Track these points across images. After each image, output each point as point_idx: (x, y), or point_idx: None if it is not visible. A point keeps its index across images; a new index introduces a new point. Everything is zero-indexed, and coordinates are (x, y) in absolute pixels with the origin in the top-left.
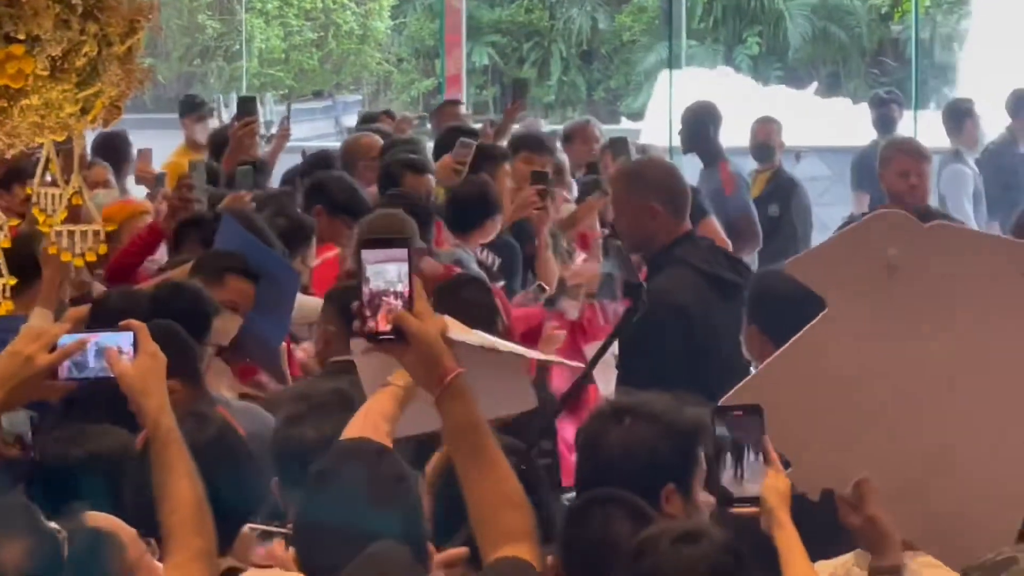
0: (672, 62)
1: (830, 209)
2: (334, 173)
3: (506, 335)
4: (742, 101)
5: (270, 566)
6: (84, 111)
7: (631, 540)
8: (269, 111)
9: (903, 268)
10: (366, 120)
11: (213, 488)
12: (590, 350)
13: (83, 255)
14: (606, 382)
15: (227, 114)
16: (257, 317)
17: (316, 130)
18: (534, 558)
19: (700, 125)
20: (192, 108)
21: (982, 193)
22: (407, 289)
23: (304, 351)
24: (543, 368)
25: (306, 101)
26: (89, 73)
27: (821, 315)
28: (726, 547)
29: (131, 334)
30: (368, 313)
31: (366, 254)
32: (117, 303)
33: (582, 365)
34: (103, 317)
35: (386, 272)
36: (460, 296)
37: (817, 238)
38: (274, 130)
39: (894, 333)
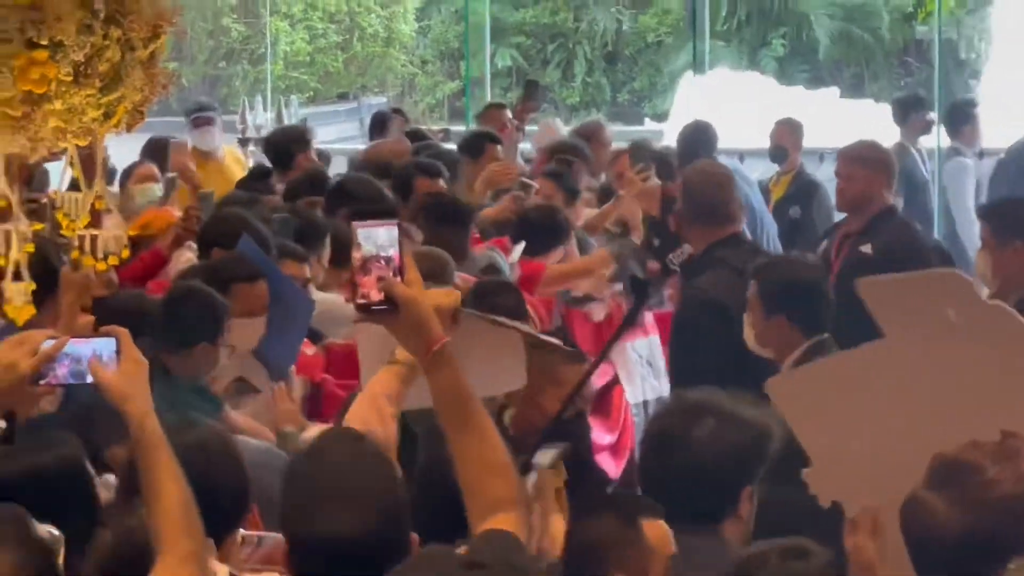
0: (697, 64)
1: None
2: (358, 175)
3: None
4: (767, 103)
5: (267, 570)
6: (107, 116)
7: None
8: (294, 113)
9: (959, 328)
10: (377, 122)
11: (198, 493)
12: (616, 349)
13: (106, 259)
14: (631, 384)
15: (251, 117)
16: (265, 343)
17: (341, 132)
18: (520, 527)
19: (692, 146)
20: (189, 114)
21: (983, 186)
22: (397, 256)
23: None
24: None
25: (331, 103)
26: (112, 78)
27: (878, 340)
28: (831, 563)
29: (114, 340)
30: (360, 282)
31: (356, 224)
32: (124, 306)
33: (601, 363)
34: (109, 321)
35: (376, 236)
36: (491, 301)
37: None
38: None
39: (939, 381)
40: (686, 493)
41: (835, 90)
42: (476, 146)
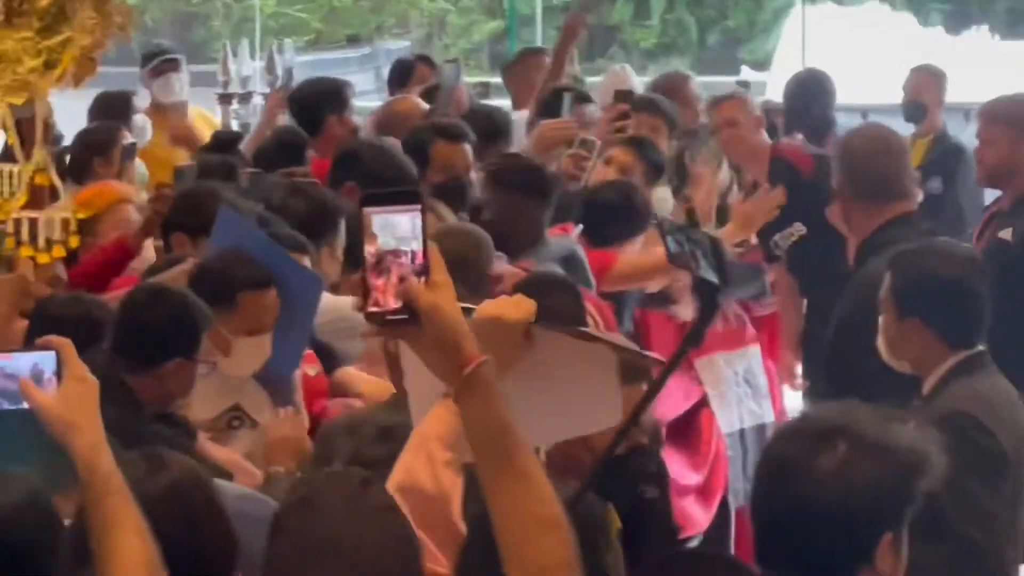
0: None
1: None
2: (370, 140)
3: None
4: (898, 47)
5: None
6: (48, 65)
7: None
8: (289, 60)
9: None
10: (398, 72)
11: (170, 552)
12: (704, 364)
13: (49, 248)
14: (724, 408)
15: (235, 66)
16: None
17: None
18: None
19: (803, 101)
20: (146, 60)
21: None
22: (421, 252)
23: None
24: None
25: (339, 49)
26: (54, 17)
27: None
28: None
29: (54, 354)
30: (373, 284)
31: (368, 209)
32: (71, 311)
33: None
34: (51, 330)
35: (396, 226)
36: (542, 302)
37: None
38: None
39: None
40: (804, 540)
41: (984, 29)
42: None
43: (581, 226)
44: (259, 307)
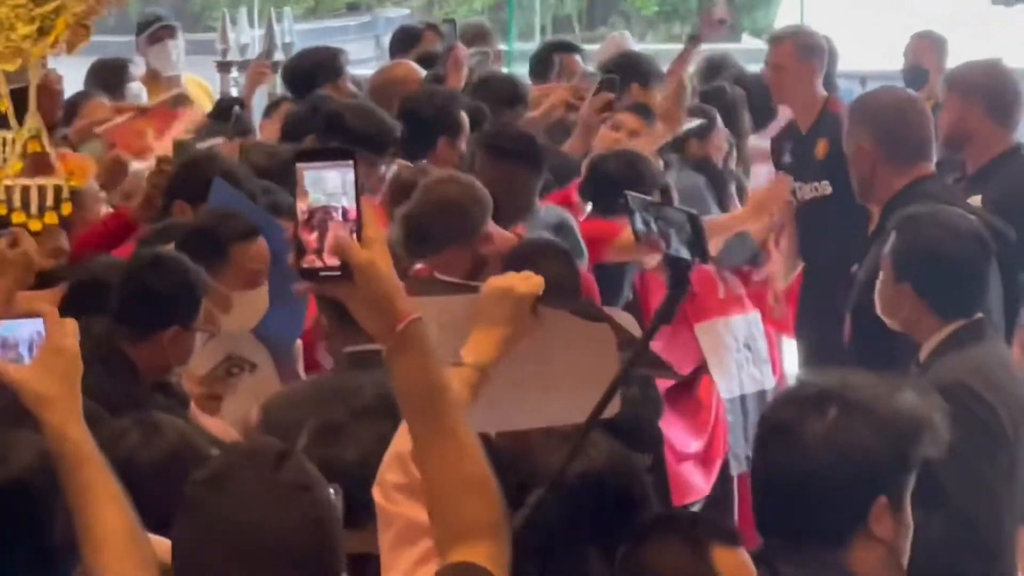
0: None
1: None
2: (355, 101)
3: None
4: (901, 14)
5: None
6: (42, 32)
7: None
8: (287, 31)
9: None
10: (403, 38)
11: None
12: (704, 329)
13: (42, 215)
14: (724, 374)
15: (234, 35)
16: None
17: (353, 53)
18: (494, 560)
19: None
20: (142, 28)
21: None
22: (354, 208)
23: None
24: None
25: (338, 17)
26: None
27: None
28: None
29: (41, 321)
30: (306, 240)
31: (301, 165)
32: (97, 275)
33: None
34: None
35: (326, 181)
36: (537, 269)
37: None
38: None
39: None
40: (797, 506)
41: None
42: (543, 62)
43: (590, 205)
44: (251, 257)
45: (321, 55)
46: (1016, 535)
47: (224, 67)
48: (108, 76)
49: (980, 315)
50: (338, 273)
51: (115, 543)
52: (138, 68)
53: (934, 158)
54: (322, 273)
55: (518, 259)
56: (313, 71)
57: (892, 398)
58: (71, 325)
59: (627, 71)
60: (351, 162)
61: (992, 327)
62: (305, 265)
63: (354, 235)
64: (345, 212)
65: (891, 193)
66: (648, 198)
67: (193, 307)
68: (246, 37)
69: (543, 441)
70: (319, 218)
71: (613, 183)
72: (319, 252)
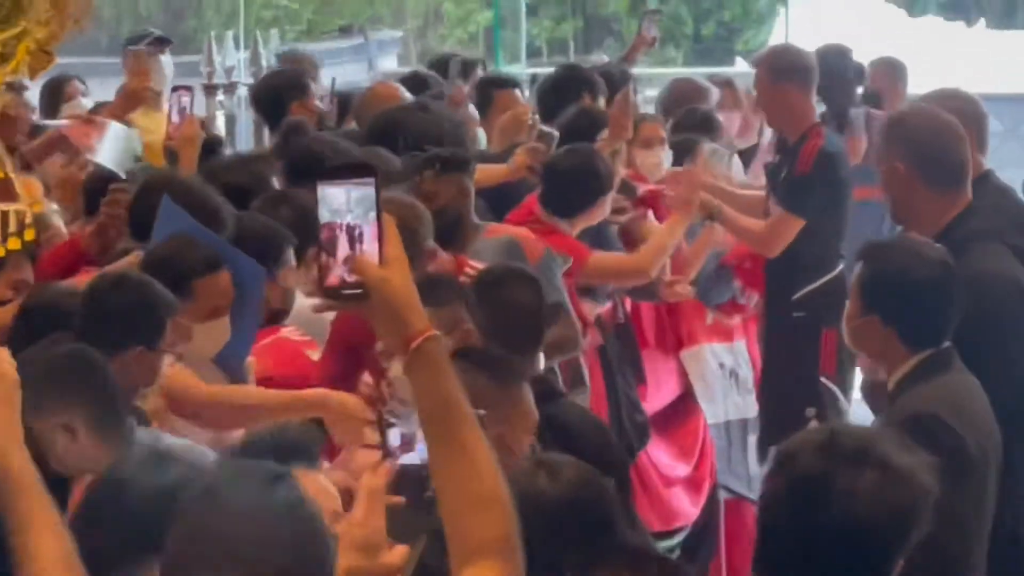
0: None
1: (1001, 173)
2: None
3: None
4: (889, 37)
5: None
6: (3, 58)
7: None
8: (274, 51)
9: None
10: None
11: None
12: (690, 355)
13: (4, 241)
14: (710, 401)
15: (219, 58)
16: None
17: (345, 76)
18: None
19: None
20: (132, 42)
21: None
22: (376, 226)
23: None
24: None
25: (331, 39)
26: (9, 9)
27: None
28: None
29: None
30: (330, 258)
31: (323, 184)
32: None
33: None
34: (27, 328)
35: (350, 200)
36: (501, 294)
37: None
38: None
39: None
40: (822, 559)
41: (979, 22)
42: (483, 96)
43: (552, 211)
44: (215, 291)
45: (287, 75)
46: (983, 565)
47: (210, 90)
48: (48, 96)
49: (948, 344)
50: (359, 291)
51: (53, 572)
52: (80, 86)
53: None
54: (344, 291)
55: (486, 285)
56: (279, 91)
57: (915, 459)
58: (3, 352)
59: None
60: (372, 180)
61: (957, 357)
62: (328, 283)
63: (375, 253)
64: (367, 230)
65: (938, 227)
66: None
67: (157, 327)
68: (231, 60)
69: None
70: (340, 236)
71: (571, 181)
72: (340, 271)
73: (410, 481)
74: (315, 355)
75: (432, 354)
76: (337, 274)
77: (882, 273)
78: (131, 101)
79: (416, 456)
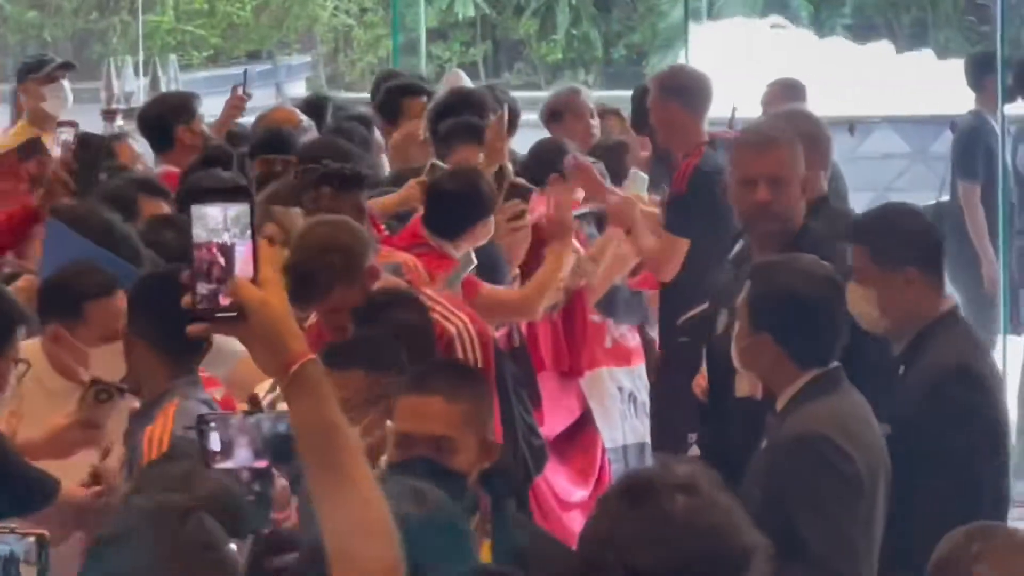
0: (705, 10)
1: (907, 195)
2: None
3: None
4: (796, 58)
5: None
6: None
7: None
8: (173, 77)
9: None
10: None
11: None
12: (589, 379)
13: None
14: (608, 424)
15: (119, 84)
16: None
17: (252, 101)
18: None
19: None
20: (32, 69)
21: None
22: (250, 248)
23: None
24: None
25: (239, 64)
26: None
27: None
28: None
29: None
30: (202, 280)
31: (196, 206)
32: None
33: None
34: None
35: (222, 221)
36: (390, 317)
37: None
38: None
39: None
40: None
41: (885, 42)
42: (390, 106)
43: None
44: (108, 315)
45: (173, 99)
46: None
47: (109, 116)
48: None
49: (836, 364)
50: (233, 314)
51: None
52: None
53: None
54: (217, 314)
55: (372, 309)
56: (165, 116)
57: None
58: None
59: (459, 107)
60: (247, 203)
61: (844, 376)
62: (199, 306)
63: (249, 276)
64: (241, 251)
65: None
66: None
67: (7, 336)
68: (130, 85)
69: None
70: (212, 259)
71: (454, 202)
72: (214, 293)
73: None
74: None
75: (311, 378)
76: (210, 296)
77: (771, 292)
78: None
79: (233, 463)
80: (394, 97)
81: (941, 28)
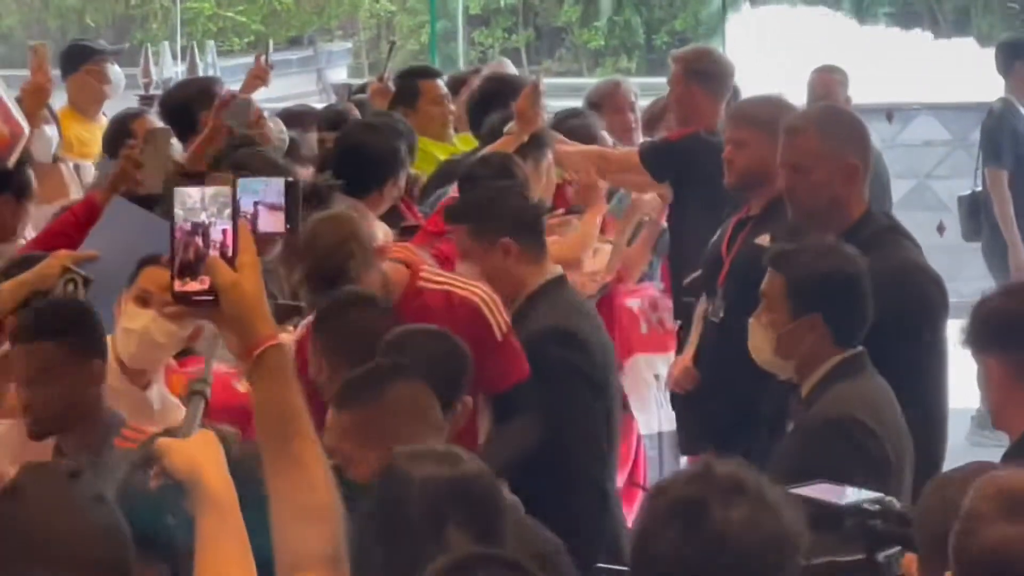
0: None
1: (948, 183)
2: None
3: None
4: (837, 45)
5: None
6: None
7: None
8: (211, 63)
9: None
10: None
11: None
12: (625, 367)
13: None
14: (643, 411)
15: (157, 70)
16: None
17: (293, 87)
18: None
19: None
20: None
21: None
22: (231, 231)
23: None
24: None
25: (280, 51)
26: None
27: None
28: None
29: None
30: (181, 262)
31: (179, 190)
32: None
33: None
34: None
35: (205, 205)
36: (351, 318)
37: (930, 218)
38: None
39: None
40: None
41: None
42: (408, 91)
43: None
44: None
45: (196, 84)
46: None
47: (146, 101)
48: None
49: (861, 348)
50: (211, 297)
51: None
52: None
53: None
54: (195, 297)
55: (329, 311)
56: (189, 102)
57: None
58: None
59: (499, 95)
60: (228, 187)
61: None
62: (179, 288)
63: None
64: (223, 234)
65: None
66: None
67: None
68: (169, 71)
69: None
70: (193, 241)
71: (361, 156)
72: (193, 275)
73: None
74: (242, 386)
75: (275, 363)
76: (188, 279)
77: (818, 273)
78: (34, 97)
79: None
80: (410, 82)
81: (983, 15)
